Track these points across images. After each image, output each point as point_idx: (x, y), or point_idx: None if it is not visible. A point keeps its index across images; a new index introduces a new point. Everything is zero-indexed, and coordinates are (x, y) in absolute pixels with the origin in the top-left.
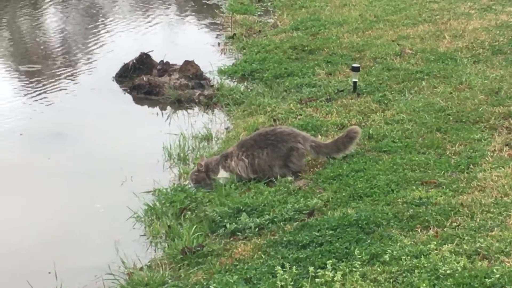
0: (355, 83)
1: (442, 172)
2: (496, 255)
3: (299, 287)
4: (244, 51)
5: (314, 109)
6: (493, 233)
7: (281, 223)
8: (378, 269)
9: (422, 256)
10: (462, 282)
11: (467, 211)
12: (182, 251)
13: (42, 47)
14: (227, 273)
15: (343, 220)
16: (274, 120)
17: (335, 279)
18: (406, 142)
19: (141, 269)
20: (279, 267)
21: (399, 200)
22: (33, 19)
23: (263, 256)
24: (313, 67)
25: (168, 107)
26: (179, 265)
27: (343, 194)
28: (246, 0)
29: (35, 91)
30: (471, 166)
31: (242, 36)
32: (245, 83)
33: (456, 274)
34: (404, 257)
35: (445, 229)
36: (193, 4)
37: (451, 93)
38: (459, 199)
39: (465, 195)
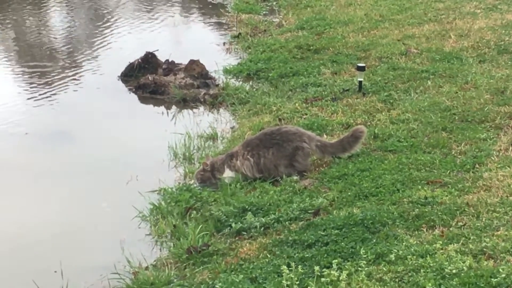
0: (360, 82)
1: (448, 171)
2: (502, 255)
3: (305, 286)
4: (249, 50)
5: (320, 108)
6: (499, 232)
7: (287, 222)
8: (384, 269)
9: (428, 256)
10: (468, 281)
11: (473, 211)
12: (188, 250)
13: (47, 46)
14: (233, 273)
15: (349, 219)
16: (280, 120)
17: (340, 278)
18: (411, 141)
19: (147, 268)
20: (285, 267)
21: (405, 199)
22: (38, 18)
23: (269, 256)
24: (318, 67)
25: (174, 107)
26: (184, 264)
27: (349, 193)
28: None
29: (40, 90)
30: (477, 165)
31: (247, 35)
32: (251, 83)
33: (462, 274)
34: (409, 257)
35: (451, 229)
36: (198, 3)
37: (457, 92)
38: (465, 199)
39: (471, 194)
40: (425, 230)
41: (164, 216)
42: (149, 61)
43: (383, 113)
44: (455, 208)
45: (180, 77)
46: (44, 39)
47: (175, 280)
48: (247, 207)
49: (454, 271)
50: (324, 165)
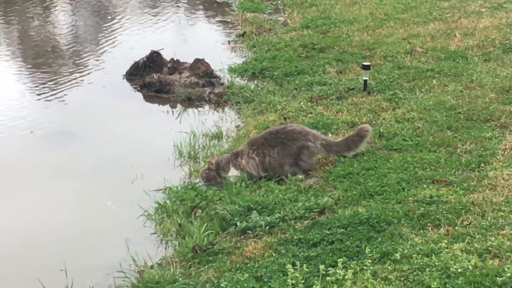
0: (365, 81)
1: (453, 170)
2: (507, 254)
3: (310, 285)
4: (254, 49)
5: (325, 107)
6: (504, 231)
7: (292, 221)
8: (389, 268)
9: (433, 255)
10: (473, 280)
11: (478, 210)
12: (193, 249)
13: (52, 45)
14: (238, 271)
15: (354, 218)
16: (285, 118)
17: (346, 277)
18: (416, 140)
19: (152, 267)
20: (290, 265)
21: (410, 198)
22: (43, 17)
23: (274, 254)
24: (323, 65)
25: (179, 105)
26: (189, 263)
27: (354, 192)
28: None
29: (45, 89)
30: (482, 164)
31: (252, 34)
32: (256, 81)
33: (467, 273)
34: (415, 256)
35: (456, 228)
36: (203, 2)
37: (462, 91)
38: (470, 198)
39: (476, 193)
40: (430, 229)
41: (169, 214)
42: (154, 60)
43: (388, 112)
44: (460, 207)
45: (185, 76)
46: (49, 38)
47: (180, 279)
48: (252, 206)
49: (459, 270)
50: (329, 164)
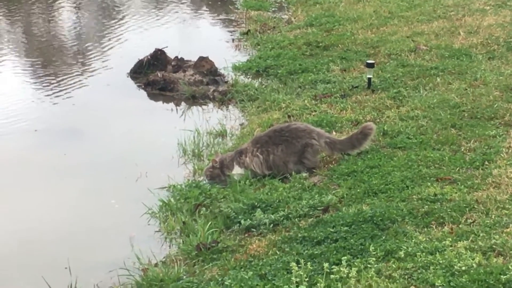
0: (369, 79)
1: (457, 168)
2: (511, 252)
3: (314, 283)
4: (259, 47)
5: (329, 105)
6: (508, 229)
7: (296, 219)
8: (393, 266)
9: (437, 253)
10: (477, 278)
11: (482, 208)
12: (197, 247)
13: (56, 43)
14: (242, 269)
15: (358, 216)
16: (289, 116)
17: (350, 275)
18: (421, 138)
19: (156, 265)
20: (294, 263)
21: (414, 196)
22: (47, 15)
23: (278, 252)
24: (327, 63)
25: (183, 103)
26: (194, 261)
27: (358, 190)
28: None
29: (50, 87)
30: (486, 162)
31: (257, 32)
32: (260, 79)
33: (471, 271)
34: (419, 254)
35: (460, 226)
36: (207, 0)
37: (466, 89)
38: (474, 196)
39: (480, 191)
40: (434, 227)
41: (173, 212)
42: (158, 58)
43: (392, 110)
44: (464, 205)
45: (189, 74)
46: (53, 36)
47: (184, 276)
48: (256, 204)
49: (463, 268)
50: (333, 162)
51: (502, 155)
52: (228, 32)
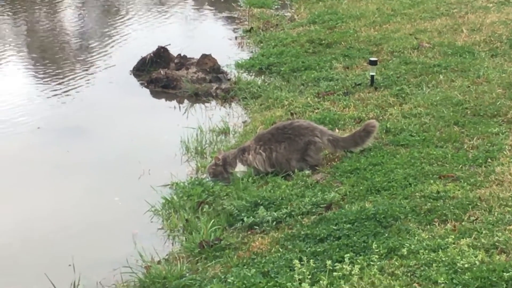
0: (372, 76)
1: (460, 166)
2: None
3: (317, 280)
4: (261, 44)
5: (332, 102)
6: (511, 227)
7: (299, 216)
8: (396, 263)
9: (440, 250)
10: (480, 276)
11: (485, 205)
12: (200, 244)
13: (59, 41)
14: (245, 267)
15: (361, 213)
16: (292, 114)
17: (352, 272)
18: (423, 136)
19: (159, 262)
20: (297, 261)
21: (417, 194)
22: (50, 13)
23: (281, 250)
24: (330, 61)
25: (186, 101)
26: (196, 258)
27: (361, 188)
28: None
29: (52, 85)
30: (489, 160)
31: (259, 29)
32: (262, 77)
33: (474, 268)
34: (422, 251)
35: (463, 223)
36: None
37: (469, 86)
38: (477, 193)
39: (483, 189)
40: (437, 224)
41: (176, 210)
42: (161, 56)
43: (395, 107)
44: (467, 202)
45: (192, 71)
46: (56, 33)
47: (187, 274)
48: (259, 201)
49: (466, 265)
50: (336, 160)
51: (505, 153)
52: (231, 30)
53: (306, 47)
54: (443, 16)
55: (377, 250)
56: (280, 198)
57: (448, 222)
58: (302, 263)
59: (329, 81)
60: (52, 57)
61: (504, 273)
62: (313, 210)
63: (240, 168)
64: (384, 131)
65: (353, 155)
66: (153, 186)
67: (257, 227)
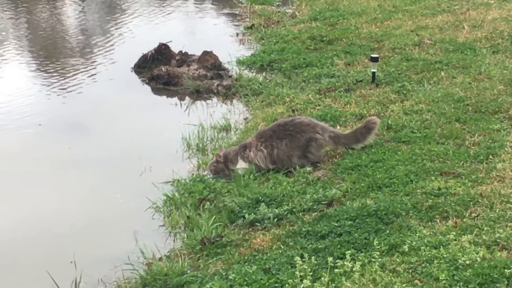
0: (373, 73)
1: (461, 162)
2: None
3: (318, 277)
4: (263, 41)
5: (333, 99)
6: None
7: (300, 213)
8: (397, 260)
9: (441, 247)
10: (482, 272)
11: (486, 202)
12: (201, 241)
13: (60, 37)
14: (246, 264)
15: (362, 210)
16: (293, 111)
17: (354, 269)
18: (425, 132)
19: (160, 259)
20: (298, 258)
21: (418, 190)
22: (51, 10)
23: (282, 247)
24: (331, 58)
25: (187, 98)
26: (198, 255)
27: (362, 184)
28: None
29: (53, 82)
30: (490, 156)
31: (261, 26)
32: (264, 74)
33: (476, 265)
34: (423, 248)
35: (464, 220)
36: None
37: (470, 83)
38: (478, 190)
39: (484, 185)
40: (438, 221)
41: (177, 207)
42: (162, 53)
43: (397, 104)
44: (468, 199)
45: (194, 68)
46: (58, 30)
47: (188, 271)
48: (260, 198)
49: (467, 262)
50: (337, 156)
51: (506, 149)
52: (232, 27)
53: (307, 44)
54: (444, 13)
55: (379, 246)
56: (281, 195)
57: (449, 219)
58: (303, 260)
59: (330, 77)
60: (53, 54)
61: (506, 270)
62: (315, 207)
63: (241, 165)
64: (386, 127)
65: (355, 151)
66: (154, 183)
67: (258, 224)
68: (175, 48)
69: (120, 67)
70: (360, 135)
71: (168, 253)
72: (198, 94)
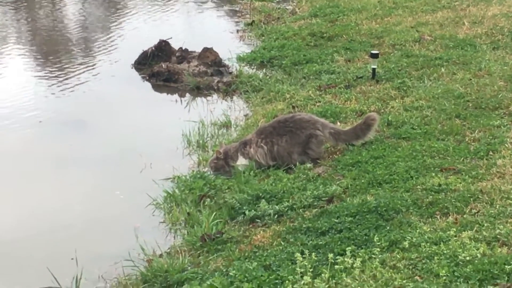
0: (374, 69)
1: (462, 158)
2: None
3: (319, 273)
4: (263, 38)
5: (333, 95)
6: None
7: (300, 210)
8: (398, 256)
9: (442, 243)
10: (482, 268)
11: (487, 198)
12: (202, 238)
13: (60, 34)
14: (247, 260)
15: (362, 206)
16: (293, 107)
17: (354, 265)
18: (425, 128)
19: (161, 256)
20: (299, 254)
21: (419, 186)
22: (52, 7)
23: (283, 243)
24: (332, 54)
25: (187, 94)
26: (198, 252)
27: (362, 181)
28: None
29: (54, 79)
30: (491, 152)
31: (261, 23)
32: (264, 70)
33: (476, 261)
34: (423, 244)
35: (464, 216)
36: None
37: (470, 79)
38: (479, 186)
39: (485, 181)
40: (438, 217)
41: (178, 203)
42: (162, 49)
43: (397, 100)
44: (468, 195)
45: (194, 65)
46: (58, 27)
47: (189, 267)
48: (260, 194)
49: (467, 258)
50: (337, 153)
51: (507, 145)
52: (232, 23)
53: (307, 40)
54: (444, 9)
55: (379, 243)
56: (281, 191)
57: (449, 215)
58: (303, 256)
59: (330, 74)
60: (53, 51)
61: (506, 266)
62: (315, 203)
63: (241, 161)
64: (386, 124)
65: (355, 148)
66: (154, 179)
67: (258, 221)
68: (175, 44)
69: (120, 64)
70: (360, 131)
71: (169, 250)
72: (198, 90)
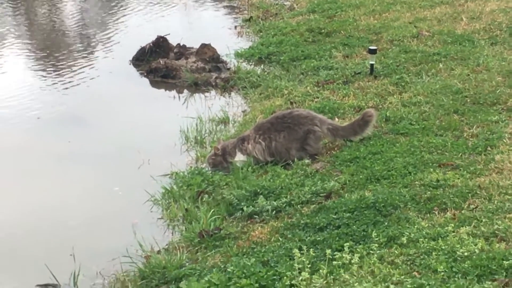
0: (372, 65)
1: (460, 154)
2: None
3: (317, 269)
4: (261, 34)
5: (331, 91)
6: (510, 215)
7: (298, 205)
8: (396, 252)
9: (440, 238)
10: (480, 264)
11: (485, 193)
12: (200, 234)
13: (59, 31)
14: (245, 256)
15: (360, 202)
16: (291, 103)
17: (352, 261)
18: (423, 124)
19: (159, 252)
20: (297, 250)
21: (417, 182)
22: (50, 3)
23: (280, 239)
24: (330, 50)
25: (185, 90)
26: (196, 248)
27: (360, 176)
28: None
29: (52, 75)
30: (489, 148)
31: (259, 19)
32: (262, 66)
33: (474, 256)
34: (421, 240)
35: (462, 211)
36: None
37: (469, 75)
38: (477, 181)
39: (483, 177)
40: (437, 213)
41: (176, 200)
42: (160, 45)
43: (395, 96)
44: (467, 190)
45: (192, 61)
46: (56, 24)
47: (187, 263)
48: (258, 190)
49: (466, 253)
50: (335, 148)
51: (505, 141)
52: (230, 19)
53: (305, 36)
54: (442, 5)
55: (377, 238)
56: (279, 187)
57: (447, 211)
58: (301, 252)
59: (328, 70)
60: (51, 48)
61: (504, 261)
62: (313, 199)
63: (239, 157)
64: (384, 119)
65: (353, 144)
66: (152, 175)
67: (256, 217)
68: (173, 41)
69: (118, 60)
70: (358, 127)
71: (167, 246)
72: (196, 86)
